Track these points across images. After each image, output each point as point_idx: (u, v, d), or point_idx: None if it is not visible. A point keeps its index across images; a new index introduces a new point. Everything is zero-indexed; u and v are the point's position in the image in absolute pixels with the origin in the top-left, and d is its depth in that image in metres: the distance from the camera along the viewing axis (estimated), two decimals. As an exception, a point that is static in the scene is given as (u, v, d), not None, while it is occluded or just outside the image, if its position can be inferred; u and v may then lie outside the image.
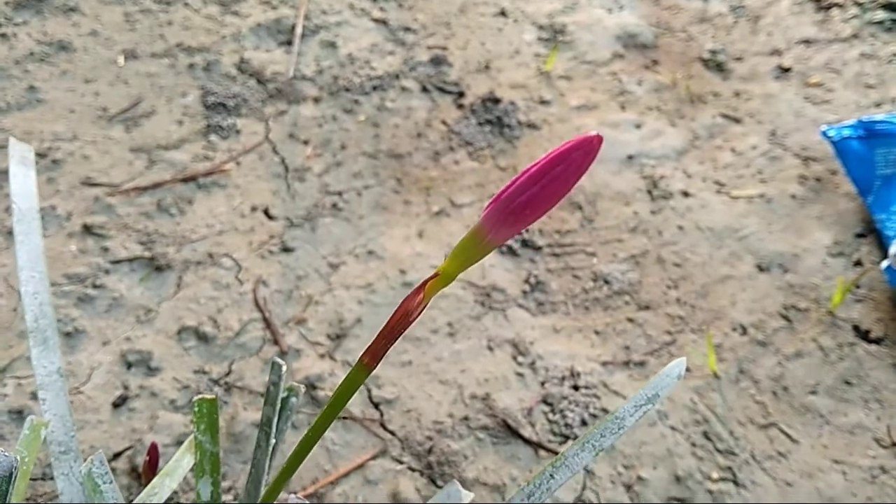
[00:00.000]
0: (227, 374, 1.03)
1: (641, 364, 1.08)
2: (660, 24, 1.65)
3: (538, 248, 1.22)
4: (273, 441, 0.68)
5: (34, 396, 0.97)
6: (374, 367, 0.48)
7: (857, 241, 1.23)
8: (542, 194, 0.39)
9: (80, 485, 0.69)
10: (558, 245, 1.23)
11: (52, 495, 0.88)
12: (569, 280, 1.18)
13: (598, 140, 0.37)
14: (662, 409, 1.02)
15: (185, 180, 1.29)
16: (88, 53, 1.52)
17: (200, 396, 0.66)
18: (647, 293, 1.17)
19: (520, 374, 1.06)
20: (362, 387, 1.00)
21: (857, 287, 1.16)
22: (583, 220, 1.27)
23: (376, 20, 1.64)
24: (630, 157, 1.37)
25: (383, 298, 1.14)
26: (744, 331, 1.12)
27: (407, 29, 1.62)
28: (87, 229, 1.20)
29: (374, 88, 1.49)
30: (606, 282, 1.18)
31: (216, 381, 1.02)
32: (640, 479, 0.95)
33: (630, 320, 1.13)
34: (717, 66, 1.55)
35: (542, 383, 1.05)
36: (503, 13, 1.68)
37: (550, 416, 1.01)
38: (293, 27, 1.60)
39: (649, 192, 1.31)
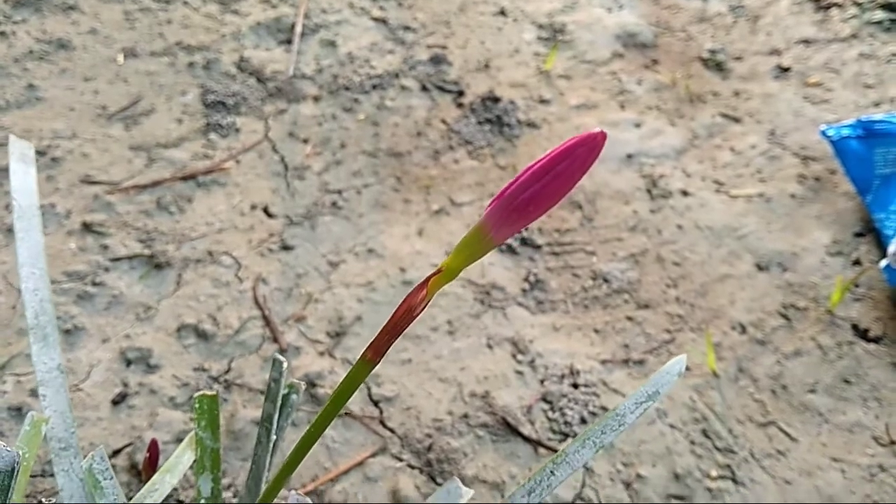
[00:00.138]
0: (227, 371, 1.03)
1: (641, 362, 1.08)
2: (659, 24, 1.65)
3: (538, 247, 1.22)
4: (274, 437, 0.68)
5: (33, 393, 0.97)
6: (378, 363, 0.48)
7: (855, 241, 1.23)
8: (545, 191, 0.39)
9: (80, 481, 0.69)
10: (558, 244, 1.23)
11: (52, 492, 0.88)
12: (568, 278, 1.19)
13: (602, 136, 0.37)
14: (662, 407, 1.02)
15: (185, 178, 1.29)
16: (88, 52, 1.52)
17: (201, 393, 0.66)
18: (646, 292, 1.17)
19: (519, 373, 1.06)
20: (362, 385, 1.00)
21: (856, 286, 1.16)
22: (582, 218, 1.27)
23: (376, 19, 1.64)
24: (629, 156, 1.37)
25: (383, 296, 1.14)
26: (743, 329, 1.12)
27: (406, 28, 1.63)
28: (87, 227, 1.20)
29: (374, 87, 1.49)
30: (606, 280, 1.18)
31: (216, 379, 1.02)
32: (639, 476, 0.96)
33: (629, 319, 1.14)
34: (716, 65, 1.55)
35: (542, 381, 1.05)
36: (503, 12, 1.68)
37: (550, 413, 1.01)
38: (293, 26, 1.60)
39: (649, 191, 1.31)
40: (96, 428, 0.96)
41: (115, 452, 0.94)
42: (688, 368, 1.06)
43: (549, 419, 1.01)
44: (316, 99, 1.46)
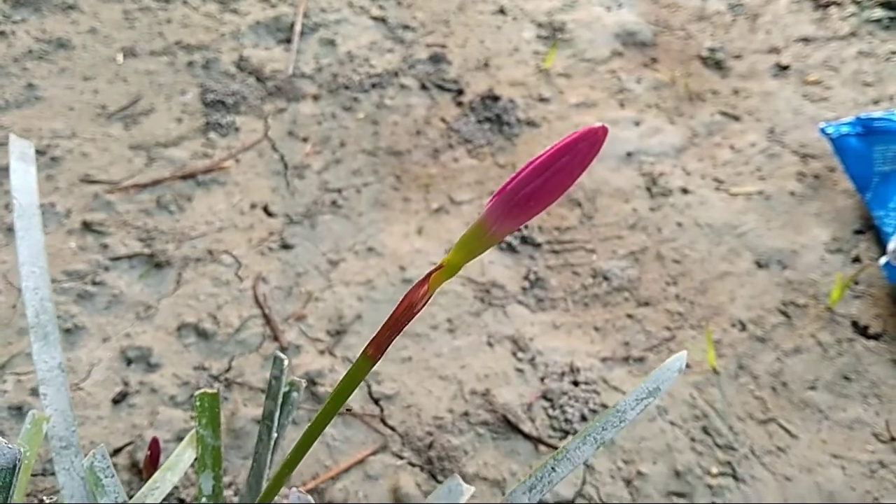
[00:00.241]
0: (227, 370, 1.03)
1: (641, 360, 1.08)
2: (658, 22, 1.65)
3: (538, 245, 1.22)
4: (275, 435, 0.69)
5: (34, 392, 0.97)
6: (379, 359, 0.48)
7: (855, 238, 1.23)
8: (546, 186, 0.39)
9: (81, 479, 0.69)
10: (558, 242, 1.23)
11: (53, 491, 0.88)
12: (568, 276, 1.19)
13: (604, 131, 0.37)
14: (662, 404, 1.02)
15: (185, 177, 1.29)
16: (87, 51, 1.52)
17: (202, 391, 0.66)
18: (646, 289, 1.17)
19: (519, 370, 1.06)
20: (362, 383, 1.00)
21: (856, 283, 1.17)
22: (582, 216, 1.27)
23: (375, 18, 1.64)
24: (629, 155, 1.37)
25: (383, 295, 1.14)
26: (743, 327, 1.12)
27: (406, 27, 1.63)
28: (87, 226, 1.20)
29: (374, 86, 1.49)
30: (606, 278, 1.18)
31: (216, 378, 1.02)
32: (639, 473, 0.96)
33: (629, 316, 1.14)
34: (715, 63, 1.55)
35: (542, 379, 1.05)
36: (502, 11, 1.68)
37: (550, 411, 1.02)
38: (292, 25, 1.60)
39: (648, 189, 1.31)
40: (97, 427, 0.96)
41: (116, 451, 0.94)
42: (688, 366, 1.06)
43: (550, 417, 1.01)
44: (315, 98, 1.46)
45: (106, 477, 0.65)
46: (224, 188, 1.29)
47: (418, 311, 0.46)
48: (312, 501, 0.66)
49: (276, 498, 0.64)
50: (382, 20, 1.64)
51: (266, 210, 1.26)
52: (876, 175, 1.24)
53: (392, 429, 0.99)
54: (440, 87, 1.50)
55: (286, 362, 0.68)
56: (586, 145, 0.38)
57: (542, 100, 1.47)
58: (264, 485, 0.70)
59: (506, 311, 1.13)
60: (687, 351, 0.64)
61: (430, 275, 0.44)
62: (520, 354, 1.08)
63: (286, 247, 1.20)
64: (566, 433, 0.99)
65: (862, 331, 1.11)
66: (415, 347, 1.08)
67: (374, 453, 0.96)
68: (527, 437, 0.99)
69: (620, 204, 1.29)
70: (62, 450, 0.69)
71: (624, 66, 1.55)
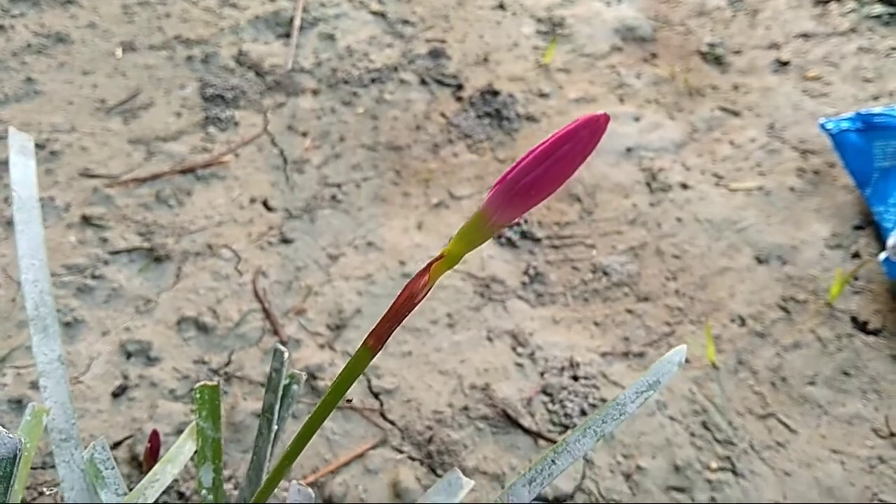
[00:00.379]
0: (227, 364, 1.03)
1: (640, 355, 1.08)
2: (658, 18, 1.65)
3: (537, 240, 1.22)
4: (275, 428, 0.69)
5: (33, 386, 0.97)
6: (379, 350, 0.48)
7: (855, 234, 1.23)
8: (548, 174, 0.39)
9: (81, 472, 0.69)
10: (557, 237, 1.23)
11: (53, 483, 0.88)
12: (568, 271, 1.19)
13: (605, 119, 0.37)
14: (661, 399, 1.02)
15: (184, 172, 1.29)
16: (86, 45, 1.52)
17: (202, 383, 0.66)
18: (646, 285, 1.17)
19: (519, 365, 1.06)
20: (362, 377, 1.00)
21: (856, 279, 1.17)
22: (582, 212, 1.27)
23: (374, 13, 1.64)
24: (629, 150, 1.37)
25: (383, 289, 1.14)
26: (742, 322, 1.12)
27: (405, 22, 1.62)
28: (86, 220, 1.19)
29: (373, 81, 1.49)
30: (605, 273, 1.18)
31: (216, 371, 1.02)
32: (639, 468, 0.96)
33: (629, 312, 1.14)
34: (715, 59, 1.55)
35: (542, 374, 1.05)
36: (501, 6, 1.68)
37: (550, 406, 1.02)
38: (291, 19, 1.60)
39: (648, 184, 1.31)
40: (96, 420, 0.96)
41: (116, 444, 0.94)
42: (687, 361, 1.06)
43: (549, 411, 1.01)
44: (315, 92, 1.46)
45: (106, 469, 0.65)
46: (223, 182, 1.29)
47: (419, 301, 0.46)
48: (312, 494, 0.66)
49: (276, 491, 0.64)
50: (382, 15, 1.63)
51: (265, 204, 1.26)
52: (876, 171, 1.24)
53: (392, 423, 0.99)
54: (440, 82, 1.49)
55: (286, 355, 0.68)
56: (588, 133, 0.38)
57: (542, 95, 1.47)
58: (264, 477, 0.70)
59: (505, 306, 1.13)
60: (687, 345, 0.64)
61: (430, 265, 0.44)
62: (519, 349, 1.08)
63: (286, 241, 1.20)
64: (566, 427, 0.99)
65: (861, 326, 1.12)
66: (415, 342, 1.08)
67: (373, 447, 0.96)
68: (526, 431, 0.99)
69: (620, 199, 1.29)
70: (62, 442, 0.69)
71: (623, 61, 1.55)
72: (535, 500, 0.62)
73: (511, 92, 1.47)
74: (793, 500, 0.94)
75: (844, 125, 1.27)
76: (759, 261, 1.20)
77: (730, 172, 1.33)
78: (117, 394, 0.98)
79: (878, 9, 1.64)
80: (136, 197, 1.24)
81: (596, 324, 1.12)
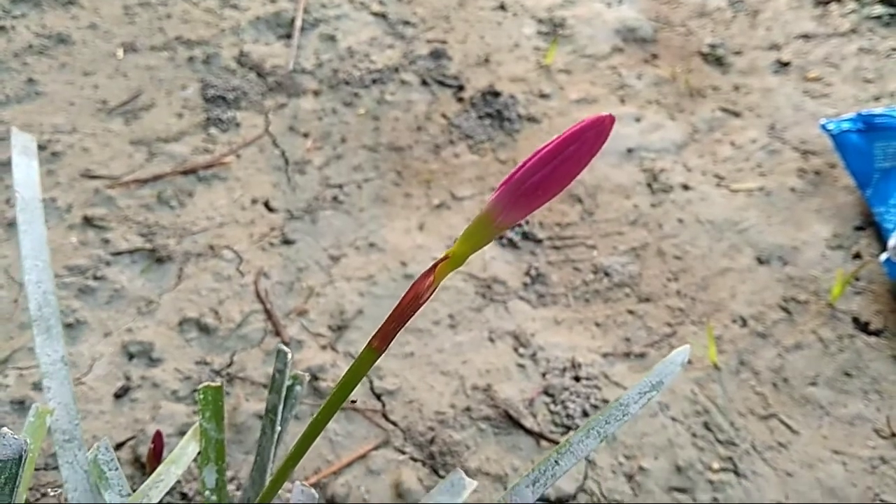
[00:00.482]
0: (229, 365, 1.03)
1: (642, 356, 1.08)
2: (659, 19, 1.65)
3: (538, 241, 1.22)
4: (278, 428, 0.69)
5: (36, 387, 0.97)
6: (384, 350, 0.48)
7: (856, 234, 1.23)
8: (553, 175, 0.39)
9: (84, 473, 0.69)
10: (559, 238, 1.23)
11: (55, 485, 0.88)
12: (569, 272, 1.19)
13: (611, 120, 0.37)
14: (663, 400, 1.03)
15: (186, 173, 1.29)
16: (87, 46, 1.52)
17: (206, 384, 0.66)
18: (647, 285, 1.17)
19: (521, 366, 1.06)
20: (364, 378, 1.00)
21: (857, 279, 1.17)
22: (583, 212, 1.27)
23: (375, 14, 1.64)
24: (630, 151, 1.37)
25: (384, 290, 1.14)
26: (744, 323, 1.12)
27: (406, 22, 1.62)
28: (88, 221, 1.19)
29: (374, 82, 1.49)
30: (607, 274, 1.18)
31: (218, 372, 1.02)
32: (641, 469, 0.96)
33: (630, 312, 1.14)
34: (716, 60, 1.55)
35: (544, 374, 1.05)
36: (502, 7, 1.68)
37: (552, 406, 1.02)
38: (292, 20, 1.60)
39: (649, 185, 1.31)
40: (99, 421, 0.96)
41: (118, 445, 0.94)
42: (689, 361, 1.06)
43: (551, 412, 1.01)
44: (316, 93, 1.46)
45: (110, 470, 0.65)
46: (225, 183, 1.29)
47: (424, 301, 0.46)
48: (316, 495, 0.66)
49: (279, 492, 0.64)
50: (383, 16, 1.63)
51: (267, 205, 1.26)
52: (877, 171, 1.25)
53: (394, 424, 0.99)
54: (441, 83, 1.49)
55: (290, 356, 0.68)
56: (593, 134, 0.38)
57: (543, 96, 1.47)
58: (268, 478, 0.70)
59: (507, 307, 1.13)
60: (689, 345, 0.64)
61: (435, 265, 0.44)
62: (521, 350, 1.08)
63: (287, 242, 1.20)
64: (568, 428, 0.99)
65: (863, 327, 1.12)
66: (416, 343, 1.08)
67: (375, 448, 0.96)
68: (528, 432, 0.99)
69: (621, 200, 1.29)
70: (65, 443, 0.69)
71: (624, 62, 1.55)
72: (537, 500, 0.62)
73: (512, 93, 1.47)
74: (795, 500, 0.94)
75: (845, 126, 1.27)
76: (761, 261, 1.20)
77: (731, 173, 1.34)
78: (119, 395, 0.98)
79: (879, 10, 1.64)
80: (137, 198, 1.25)
81: (597, 324, 1.12)
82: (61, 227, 1.18)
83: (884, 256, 1.14)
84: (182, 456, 0.67)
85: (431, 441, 0.97)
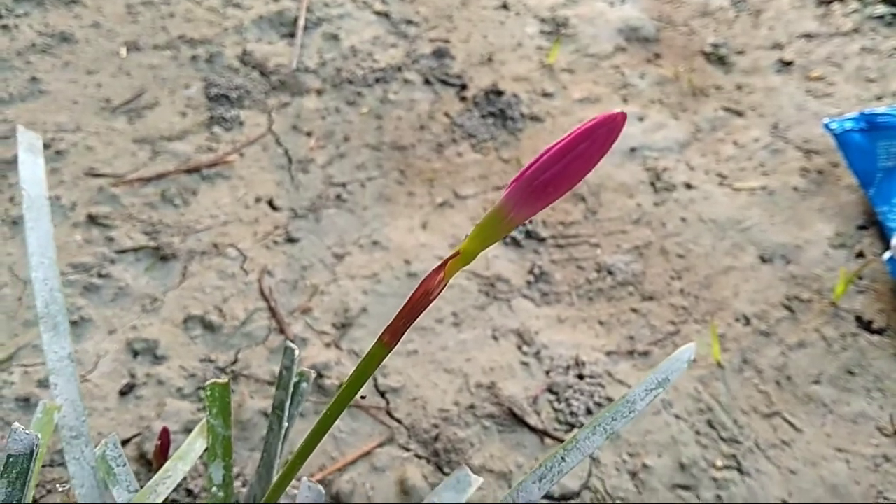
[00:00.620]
0: (234, 362, 1.03)
1: (645, 354, 1.08)
2: (661, 18, 1.65)
3: (542, 240, 1.23)
4: (286, 425, 0.69)
5: (41, 384, 0.97)
6: (394, 346, 0.48)
7: (858, 233, 1.23)
8: (565, 172, 0.39)
9: (91, 469, 0.69)
10: (562, 236, 1.23)
11: (61, 481, 0.88)
12: (573, 271, 1.19)
13: (622, 117, 0.38)
14: (667, 397, 1.03)
15: (189, 171, 1.29)
16: (90, 45, 1.52)
17: (213, 381, 0.66)
18: (650, 284, 1.17)
19: (525, 364, 1.06)
20: (368, 375, 1.00)
21: (860, 278, 1.17)
22: (586, 211, 1.27)
23: (378, 13, 1.64)
24: (633, 150, 1.37)
25: (388, 288, 1.14)
26: (747, 321, 1.12)
27: (409, 22, 1.63)
28: (92, 219, 1.20)
29: (377, 81, 1.49)
30: (610, 273, 1.18)
31: (223, 370, 1.02)
32: (645, 466, 0.96)
33: (634, 311, 1.14)
34: (719, 59, 1.56)
35: (547, 372, 1.05)
36: (505, 6, 1.68)
37: (556, 404, 1.02)
38: (295, 19, 1.60)
39: (652, 184, 1.32)
40: (104, 418, 0.96)
41: (124, 442, 0.94)
42: (693, 360, 1.06)
43: (555, 410, 1.01)
44: (319, 92, 1.46)
45: (118, 466, 0.65)
46: (229, 182, 1.29)
47: (434, 297, 0.46)
48: (323, 491, 0.66)
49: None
50: (385, 15, 1.64)
51: (271, 204, 1.26)
52: (880, 171, 1.25)
53: (398, 421, 0.99)
54: (444, 82, 1.50)
55: (297, 352, 0.68)
56: (605, 131, 0.38)
57: (546, 95, 1.48)
58: (275, 474, 0.71)
59: (510, 305, 1.13)
60: (695, 342, 0.64)
61: (446, 262, 0.45)
62: (525, 348, 1.08)
63: (291, 240, 1.20)
64: (572, 426, 1.00)
65: (866, 325, 1.12)
66: (420, 341, 1.08)
67: (380, 445, 0.96)
68: (532, 429, 0.99)
69: (624, 199, 1.30)
70: (72, 439, 0.69)
71: (627, 61, 1.55)
72: (542, 498, 0.62)
73: (515, 92, 1.47)
74: (798, 498, 0.94)
75: (848, 125, 1.28)
76: (764, 260, 1.20)
77: (734, 172, 1.34)
78: (125, 392, 0.98)
79: (881, 9, 1.65)
80: (141, 196, 1.25)
81: (601, 323, 1.13)
82: (66, 226, 1.19)
83: (887, 255, 1.14)
84: (189, 452, 0.67)
85: (436, 438, 0.97)
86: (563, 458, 0.62)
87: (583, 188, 1.30)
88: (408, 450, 0.96)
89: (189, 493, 0.89)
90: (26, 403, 0.96)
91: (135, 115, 1.39)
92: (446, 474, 0.93)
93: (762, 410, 1.02)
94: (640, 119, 1.43)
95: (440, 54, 1.55)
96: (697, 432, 1.00)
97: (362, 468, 0.94)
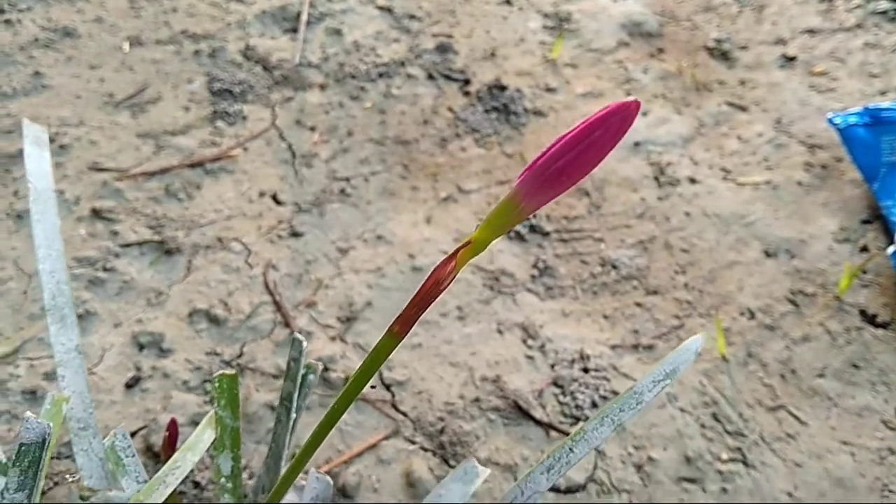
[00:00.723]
0: (239, 355, 1.03)
1: (650, 348, 1.09)
2: (664, 13, 1.65)
3: (546, 234, 1.23)
4: (294, 416, 0.69)
5: (47, 377, 0.97)
6: (405, 336, 0.48)
7: (862, 228, 1.23)
8: (579, 160, 0.39)
9: (99, 460, 0.69)
10: (566, 231, 1.24)
11: (68, 473, 0.88)
12: (577, 265, 1.19)
13: (636, 105, 0.38)
14: (672, 391, 1.03)
15: (193, 165, 1.29)
16: (93, 40, 1.52)
17: (221, 372, 0.66)
18: (654, 278, 1.17)
19: (530, 357, 1.06)
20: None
21: (864, 272, 1.17)
22: (590, 206, 1.28)
23: (381, 8, 1.64)
24: (637, 144, 1.37)
25: (393, 282, 1.14)
26: (751, 315, 1.12)
27: (412, 17, 1.62)
28: (96, 213, 1.20)
29: (380, 75, 1.49)
30: (614, 267, 1.18)
31: (228, 363, 1.02)
32: (650, 459, 0.96)
33: (638, 305, 1.14)
34: (722, 54, 1.56)
35: (552, 366, 1.05)
36: (508, 1, 1.68)
37: (561, 398, 1.02)
38: (298, 14, 1.60)
39: (656, 178, 1.32)
40: (110, 411, 0.96)
41: (131, 435, 0.94)
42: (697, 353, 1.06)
43: (561, 403, 1.01)
44: (322, 87, 1.46)
45: (127, 457, 0.65)
46: (232, 176, 1.29)
47: (445, 287, 0.46)
48: (331, 482, 0.66)
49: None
50: (388, 10, 1.63)
51: (275, 198, 1.26)
52: (884, 165, 1.25)
53: (404, 414, 0.99)
54: (447, 77, 1.50)
55: (305, 343, 0.68)
56: (619, 119, 0.38)
57: (549, 90, 1.48)
58: (283, 465, 0.71)
59: (515, 299, 1.13)
60: (702, 334, 0.64)
61: (457, 251, 0.45)
62: (530, 342, 1.08)
63: (295, 234, 1.20)
64: (577, 419, 1.00)
65: (870, 319, 1.12)
66: (425, 335, 1.08)
67: (386, 438, 0.96)
68: (538, 422, 0.99)
69: (628, 193, 1.30)
70: (80, 431, 0.69)
71: (630, 56, 1.55)
72: (548, 490, 0.62)
73: (518, 87, 1.47)
74: (803, 491, 0.94)
75: (852, 120, 1.28)
76: (768, 254, 1.20)
77: (737, 167, 1.34)
78: (131, 385, 0.98)
79: (884, 4, 1.64)
80: (145, 190, 1.25)
81: (605, 317, 1.13)
82: (70, 220, 1.19)
83: (891, 249, 1.15)
84: (198, 443, 0.67)
85: (441, 431, 0.97)
86: (570, 449, 0.62)
87: (587, 183, 1.30)
88: (413, 442, 0.96)
89: (196, 485, 0.89)
90: (33, 396, 0.96)
91: (138, 110, 1.39)
92: (452, 467, 0.93)
93: (767, 404, 1.03)
94: (644, 114, 1.43)
95: (443, 49, 1.55)
96: (703, 425, 1.00)
97: (368, 461, 0.94)
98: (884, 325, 1.11)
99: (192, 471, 0.87)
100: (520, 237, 1.22)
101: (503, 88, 1.46)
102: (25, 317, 1.05)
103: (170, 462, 0.65)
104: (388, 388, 1.02)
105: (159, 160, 1.30)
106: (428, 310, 1.04)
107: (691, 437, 0.98)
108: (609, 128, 0.38)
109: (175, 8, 1.60)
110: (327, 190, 1.27)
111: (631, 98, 0.37)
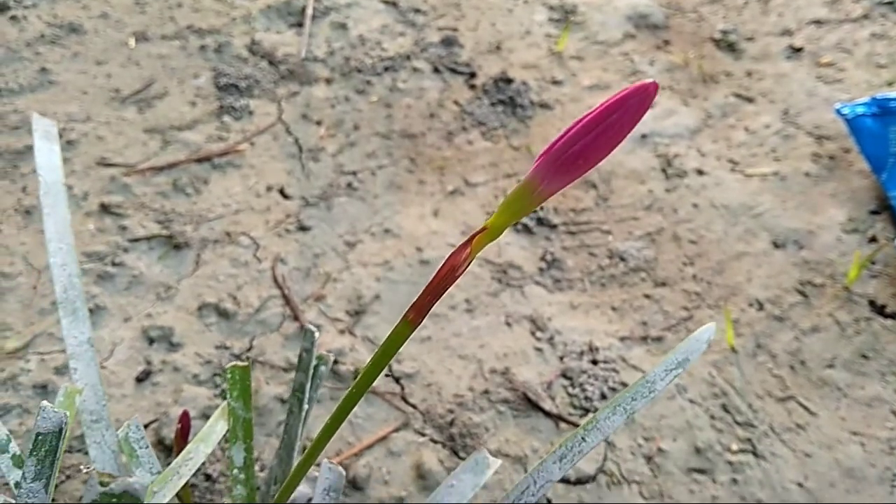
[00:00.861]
0: (249, 349, 1.04)
1: (659, 339, 1.08)
2: (671, 5, 1.65)
3: (553, 226, 1.22)
4: (306, 407, 0.69)
5: (58, 371, 0.98)
6: (420, 323, 0.48)
7: (871, 218, 1.23)
8: (596, 142, 0.39)
9: (112, 453, 0.69)
10: (573, 223, 1.23)
11: (82, 465, 0.89)
12: (585, 257, 1.19)
13: (654, 87, 0.38)
14: (681, 382, 1.03)
15: (200, 160, 1.30)
16: (99, 35, 1.52)
17: (233, 364, 0.66)
18: (663, 270, 1.17)
19: (538, 349, 1.06)
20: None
21: (873, 263, 1.17)
22: (597, 198, 1.27)
23: (386, 2, 1.64)
24: (644, 136, 1.37)
25: (401, 275, 1.14)
26: (760, 306, 1.12)
27: (417, 10, 1.62)
28: (105, 208, 1.20)
29: (386, 69, 1.49)
30: (622, 259, 1.18)
31: (238, 356, 1.02)
32: (660, 450, 0.96)
33: (647, 297, 1.14)
34: (728, 46, 1.55)
35: (561, 358, 1.05)
36: (513, -6, 1.68)
37: (570, 389, 1.02)
38: (303, 9, 1.60)
39: (664, 170, 1.31)
40: (121, 405, 0.96)
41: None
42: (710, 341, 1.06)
43: (570, 395, 1.01)
44: (328, 81, 1.46)
45: (140, 448, 0.65)
46: (239, 171, 1.29)
47: (460, 274, 0.46)
48: (343, 472, 0.67)
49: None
50: (393, 4, 1.63)
51: (282, 192, 1.26)
52: (892, 156, 1.24)
53: (413, 406, 0.99)
54: (453, 71, 1.49)
55: (317, 335, 0.68)
56: (637, 101, 0.38)
57: (556, 82, 1.47)
58: (295, 456, 0.71)
59: (523, 292, 1.13)
60: (714, 324, 0.64)
61: (473, 237, 0.45)
62: (538, 334, 1.08)
63: (303, 228, 1.20)
64: (586, 411, 1.00)
65: (879, 310, 1.12)
66: (434, 327, 1.08)
67: (396, 430, 0.96)
68: (547, 414, 0.99)
69: (636, 185, 1.29)
70: (93, 423, 0.69)
71: (637, 48, 1.55)
72: (559, 481, 0.62)
73: (524, 79, 1.47)
74: (813, 481, 0.94)
75: (860, 110, 1.27)
76: (776, 245, 1.20)
77: (745, 158, 1.33)
78: (141, 379, 0.98)
79: (891, -5, 1.64)
80: (153, 185, 1.25)
81: (614, 309, 1.13)
82: (78, 215, 1.19)
83: (900, 239, 1.14)
84: (211, 434, 0.67)
85: (451, 423, 0.97)
86: (583, 438, 0.62)
87: (594, 175, 1.30)
88: (423, 435, 0.97)
89: (208, 477, 0.89)
90: (43, 390, 0.96)
91: (145, 105, 1.39)
92: (462, 459, 0.94)
93: (776, 394, 1.02)
94: (651, 106, 1.42)
95: (448, 42, 1.54)
96: (712, 416, 1.00)
97: (378, 453, 0.94)
98: (893, 316, 1.11)
99: (203, 463, 0.87)
100: (527, 230, 1.22)
101: (509, 81, 1.46)
102: (36, 312, 1.05)
103: (183, 453, 0.65)
104: (397, 380, 1.02)
105: (166, 155, 1.30)
106: (437, 303, 1.04)
107: (701, 429, 0.98)
108: (627, 110, 0.38)
109: (180, 3, 1.60)
110: (334, 184, 1.27)
111: (649, 80, 0.37)
